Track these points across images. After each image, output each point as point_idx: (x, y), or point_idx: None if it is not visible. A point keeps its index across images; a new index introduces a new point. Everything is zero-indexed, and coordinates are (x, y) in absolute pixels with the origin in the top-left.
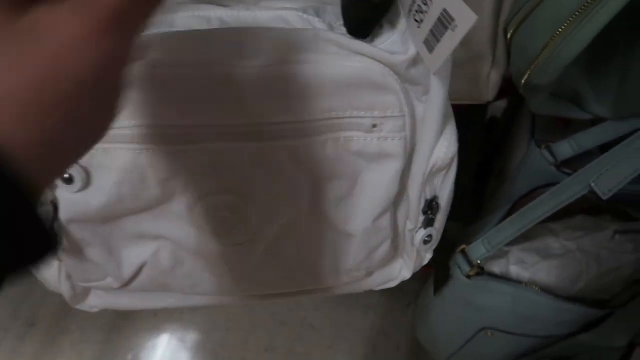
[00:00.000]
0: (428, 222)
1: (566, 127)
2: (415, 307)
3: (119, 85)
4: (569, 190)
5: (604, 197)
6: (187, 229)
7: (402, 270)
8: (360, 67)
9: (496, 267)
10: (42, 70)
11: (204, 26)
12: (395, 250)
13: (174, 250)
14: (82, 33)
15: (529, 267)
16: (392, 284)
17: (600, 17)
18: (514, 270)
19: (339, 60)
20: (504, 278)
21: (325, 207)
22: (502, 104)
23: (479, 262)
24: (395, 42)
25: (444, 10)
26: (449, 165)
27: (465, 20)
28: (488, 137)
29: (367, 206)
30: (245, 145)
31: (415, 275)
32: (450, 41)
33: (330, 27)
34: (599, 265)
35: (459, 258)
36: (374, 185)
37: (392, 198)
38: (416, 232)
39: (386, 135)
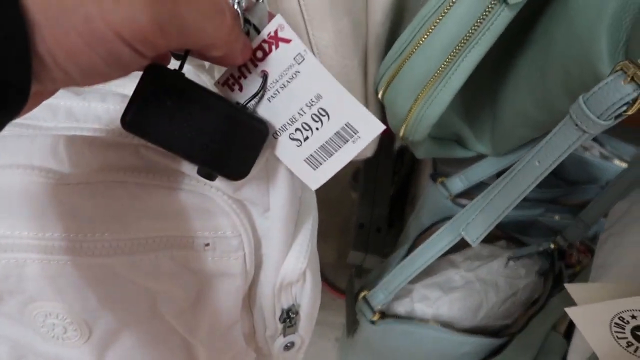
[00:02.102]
0: (288, 330)
1: None
2: (340, 343)
3: (125, 58)
4: (444, 239)
5: (474, 244)
6: (22, 329)
7: None
8: (185, 190)
9: (401, 308)
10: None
11: (47, 114)
12: (257, 352)
13: (14, 346)
14: None
15: (433, 304)
16: None
17: (456, 79)
18: (419, 307)
19: (164, 183)
20: (409, 318)
21: (167, 318)
22: None
23: (380, 307)
24: None
25: (347, 124)
26: (302, 278)
27: (371, 130)
28: (400, 166)
29: (210, 320)
30: (64, 258)
31: (343, 309)
32: (347, 153)
33: None
34: (497, 293)
35: (362, 305)
36: (215, 301)
37: (237, 313)
38: (275, 339)
39: (221, 254)
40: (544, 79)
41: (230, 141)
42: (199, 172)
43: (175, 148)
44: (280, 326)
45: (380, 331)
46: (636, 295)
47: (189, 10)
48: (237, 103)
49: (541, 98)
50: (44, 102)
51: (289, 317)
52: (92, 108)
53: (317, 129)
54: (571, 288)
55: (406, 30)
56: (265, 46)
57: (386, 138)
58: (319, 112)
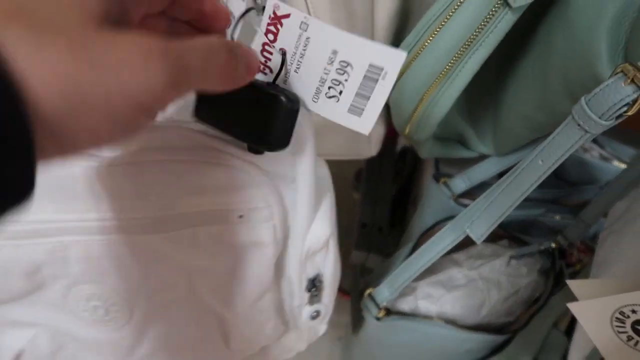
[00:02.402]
0: (314, 299)
1: None
2: (343, 342)
3: (141, 124)
4: (449, 237)
5: (478, 242)
6: (63, 316)
7: (296, 343)
8: (220, 164)
9: (405, 305)
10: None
11: None
12: (285, 325)
13: (53, 334)
14: (153, 66)
15: (436, 301)
16: (289, 356)
17: (460, 79)
18: (423, 305)
19: (201, 159)
20: (413, 315)
21: (202, 293)
22: None
23: (385, 304)
24: None
25: (370, 64)
26: (325, 246)
27: (395, 62)
28: (402, 167)
29: (243, 291)
30: (100, 238)
31: (345, 309)
32: (382, 91)
33: None
34: (499, 291)
35: (367, 301)
36: (248, 272)
37: (269, 282)
38: (302, 309)
39: (254, 225)
40: (545, 80)
41: (267, 118)
42: (249, 149)
43: (228, 131)
44: (306, 295)
45: (385, 327)
46: (637, 290)
47: (191, 58)
48: (268, 83)
49: (542, 99)
50: None
51: (314, 286)
52: None
53: (346, 80)
54: (573, 284)
55: (411, 33)
56: (272, 28)
57: (389, 139)
58: (341, 64)
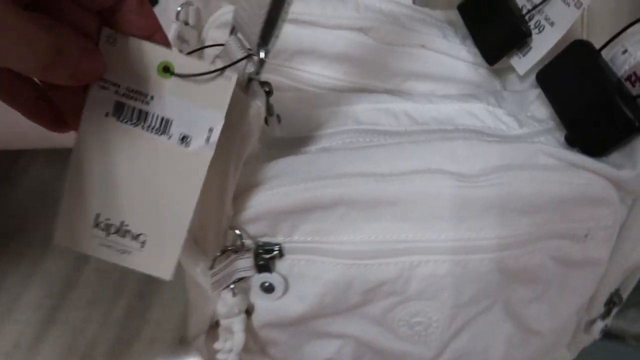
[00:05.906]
0: (607, 313)
1: None
2: None
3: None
4: None
5: None
6: (375, 328)
7: (565, 355)
8: (581, 183)
9: None
10: None
11: (391, 120)
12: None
13: (357, 347)
14: None
15: None
16: None
17: None
18: None
19: (560, 176)
20: None
21: (515, 307)
22: None
23: None
24: (623, 155)
25: None
26: None
27: None
28: None
29: (560, 307)
30: (450, 258)
31: None
32: None
33: (519, 122)
34: None
35: None
36: (571, 289)
37: (587, 301)
38: (595, 323)
39: (594, 244)
40: None
41: (596, 117)
42: (565, 137)
43: (558, 109)
44: (603, 310)
45: None
46: None
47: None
48: (631, 97)
49: None
50: (383, 107)
51: (612, 301)
52: (426, 110)
53: None
54: None
55: None
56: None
57: None
58: None
